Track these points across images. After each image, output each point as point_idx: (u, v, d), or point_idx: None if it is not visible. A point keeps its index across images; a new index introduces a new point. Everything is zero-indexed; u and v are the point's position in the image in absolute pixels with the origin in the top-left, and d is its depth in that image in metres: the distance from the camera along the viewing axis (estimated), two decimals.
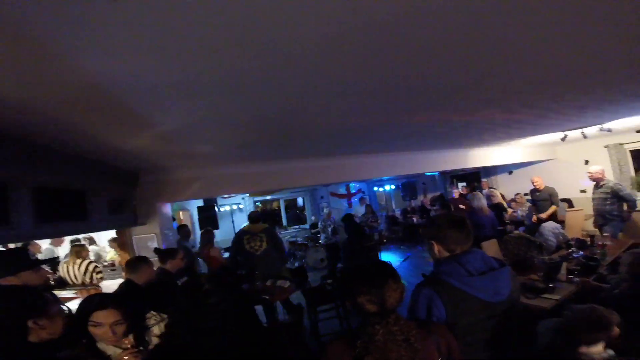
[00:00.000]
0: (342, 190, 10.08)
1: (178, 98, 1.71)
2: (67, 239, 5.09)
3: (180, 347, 0.96)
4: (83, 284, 3.78)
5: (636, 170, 6.56)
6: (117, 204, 3.31)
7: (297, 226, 10.52)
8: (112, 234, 4.88)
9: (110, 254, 5.17)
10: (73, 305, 2.12)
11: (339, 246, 6.58)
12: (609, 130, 4.62)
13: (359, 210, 8.63)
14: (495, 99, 2.60)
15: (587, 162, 6.95)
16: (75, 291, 3.67)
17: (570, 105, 3.08)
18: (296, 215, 11.28)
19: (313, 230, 9.15)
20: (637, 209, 4.69)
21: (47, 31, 1.00)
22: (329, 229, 7.77)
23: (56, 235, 3.95)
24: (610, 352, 1.37)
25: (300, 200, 11.23)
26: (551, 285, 2.80)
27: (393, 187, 11.41)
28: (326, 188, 10.03)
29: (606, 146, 6.59)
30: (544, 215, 5.63)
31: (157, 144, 2.65)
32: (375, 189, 11.40)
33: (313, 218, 10.12)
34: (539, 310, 2.49)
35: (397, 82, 1.93)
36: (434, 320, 1.27)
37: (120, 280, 3.29)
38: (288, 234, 9.65)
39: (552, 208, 5.66)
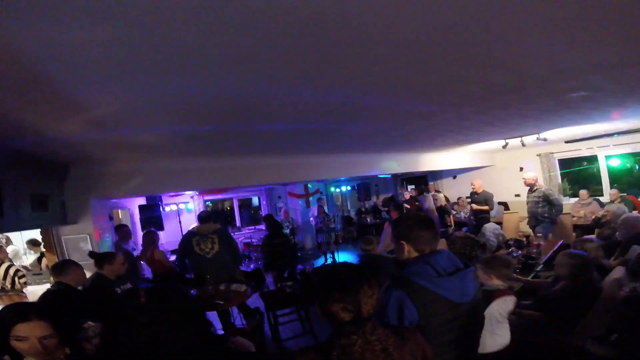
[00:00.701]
0: (300, 190, 9.96)
1: (117, 76, 1.45)
2: None
3: None
4: (2, 289, 3.25)
5: (562, 177, 7.42)
6: (41, 199, 2.85)
7: (252, 227, 10.18)
8: (31, 234, 4.25)
9: (32, 258, 4.48)
10: None
11: (296, 247, 6.54)
12: (545, 140, 5.10)
13: (316, 211, 8.58)
14: (452, 104, 2.70)
15: (521, 169, 7.68)
16: None
17: (514, 113, 3.33)
18: (251, 215, 10.91)
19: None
20: (562, 212, 5.25)
21: None
22: (287, 230, 7.61)
23: None
24: (505, 285, 2.17)
25: (255, 200, 10.88)
26: None
27: (349, 188, 11.61)
28: (284, 187, 9.84)
29: (538, 155, 7.32)
30: (475, 206, 6.33)
31: (91, 131, 2.31)
32: (332, 189, 11.50)
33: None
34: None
35: (359, 82, 1.90)
36: (407, 322, 1.23)
37: (49, 286, 2.87)
38: (242, 235, 9.29)
39: (486, 207, 6.28)
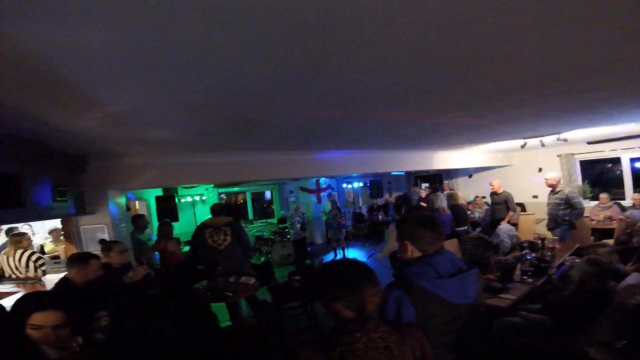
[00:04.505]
0: (312, 186, 9.99)
1: (131, 75, 1.51)
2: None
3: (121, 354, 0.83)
4: (27, 277, 3.41)
5: (583, 179, 7.13)
6: (61, 190, 2.97)
7: (264, 220, 10.30)
8: (54, 223, 4.43)
9: (50, 246, 4.68)
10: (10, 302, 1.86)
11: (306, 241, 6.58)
12: (565, 140, 4.88)
13: (327, 206, 8.60)
14: (465, 102, 2.64)
15: (540, 169, 7.43)
16: (14, 284, 3.31)
17: (529, 113, 3.22)
18: (263, 208, 11.05)
19: (281, 225, 8.99)
20: (583, 216, 5.02)
21: None
22: (297, 225, 7.66)
23: None
24: None
25: (268, 194, 11.00)
26: (508, 285, 2.92)
27: (361, 184, 11.56)
28: (296, 182, 9.90)
29: (559, 155, 7.04)
30: (503, 222, 5.78)
31: (107, 126, 2.39)
32: (344, 185, 11.48)
33: (282, 212, 9.95)
34: (496, 309, 2.59)
35: (371, 79, 1.88)
36: (404, 322, 1.23)
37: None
38: (254, 228, 9.42)
39: (509, 214, 5.86)
